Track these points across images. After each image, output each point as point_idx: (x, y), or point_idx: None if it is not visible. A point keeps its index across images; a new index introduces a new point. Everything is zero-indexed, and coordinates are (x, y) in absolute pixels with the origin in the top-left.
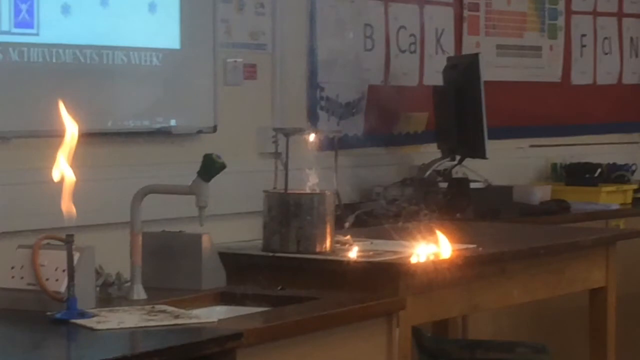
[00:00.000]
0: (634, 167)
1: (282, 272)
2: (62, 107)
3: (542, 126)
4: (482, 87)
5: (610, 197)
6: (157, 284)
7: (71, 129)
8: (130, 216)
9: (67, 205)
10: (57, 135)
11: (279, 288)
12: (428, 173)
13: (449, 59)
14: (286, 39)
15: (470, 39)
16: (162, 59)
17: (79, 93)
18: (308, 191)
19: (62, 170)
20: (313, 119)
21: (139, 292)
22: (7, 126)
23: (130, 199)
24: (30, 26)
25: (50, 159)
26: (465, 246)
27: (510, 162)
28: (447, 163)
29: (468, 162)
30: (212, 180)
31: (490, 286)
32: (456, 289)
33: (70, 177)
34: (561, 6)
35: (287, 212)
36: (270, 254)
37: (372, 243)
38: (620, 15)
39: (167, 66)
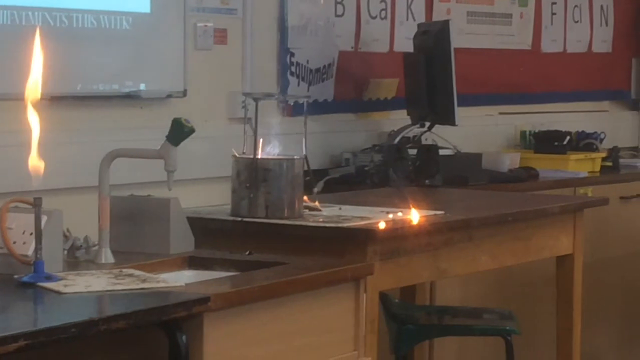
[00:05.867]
0: (602, 135)
1: (250, 237)
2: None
3: (512, 94)
4: (453, 54)
5: (578, 165)
6: (125, 248)
7: (37, 76)
8: (98, 180)
9: (34, 162)
10: (23, 99)
11: (247, 253)
12: (397, 139)
13: (419, 25)
14: (257, 4)
15: (440, 5)
16: (132, 22)
17: (48, 56)
18: (277, 156)
19: (28, 119)
20: (283, 85)
21: (107, 256)
22: None
23: (99, 162)
24: None
25: (16, 123)
26: (433, 212)
27: (479, 129)
28: (416, 130)
29: (437, 128)
30: (181, 145)
31: (457, 252)
32: (424, 255)
33: (35, 127)
34: None
35: (255, 177)
36: (239, 219)
37: (340, 209)
38: None
39: (137, 30)
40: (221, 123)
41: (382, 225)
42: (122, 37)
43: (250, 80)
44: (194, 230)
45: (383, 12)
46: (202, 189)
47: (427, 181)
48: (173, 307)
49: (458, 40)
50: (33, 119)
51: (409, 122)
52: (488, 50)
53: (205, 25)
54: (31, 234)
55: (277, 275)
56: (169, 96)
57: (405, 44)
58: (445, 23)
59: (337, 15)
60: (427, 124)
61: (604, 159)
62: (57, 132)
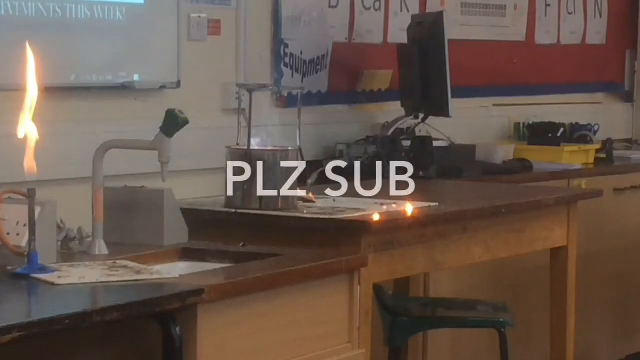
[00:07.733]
0: (596, 127)
1: (244, 229)
2: (28, 60)
3: (506, 85)
4: (446, 46)
5: (572, 157)
6: (119, 239)
7: (34, 86)
8: (92, 171)
9: (29, 163)
10: (18, 89)
11: (240, 244)
12: (391, 131)
13: (413, 16)
14: None
15: None
16: (126, 13)
17: (42, 47)
18: (270, 147)
19: (26, 127)
20: (277, 75)
21: (100, 247)
22: None
23: (92, 153)
24: None
25: (11, 113)
26: (427, 204)
27: (473, 121)
28: (410, 121)
29: (431, 120)
30: (175, 136)
31: (451, 244)
32: (418, 247)
33: (33, 135)
34: None
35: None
36: (232, 210)
37: (334, 200)
38: None
39: (131, 21)
40: (215, 114)
41: (376, 216)
42: (116, 27)
43: (244, 71)
44: (187, 222)
45: (377, 3)
46: (195, 180)
47: (420, 172)
48: (167, 299)
49: (452, 31)
50: (30, 126)
51: (403, 113)
52: (482, 42)
53: (199, 16)
54: (25, 225)
55: (271, 266)
56: (163, 87)
57: (399, 35)
58: (439, 14)
59: (330, 6)
60: (421, 115)
61: (597, 151)
62: (50, 122)
